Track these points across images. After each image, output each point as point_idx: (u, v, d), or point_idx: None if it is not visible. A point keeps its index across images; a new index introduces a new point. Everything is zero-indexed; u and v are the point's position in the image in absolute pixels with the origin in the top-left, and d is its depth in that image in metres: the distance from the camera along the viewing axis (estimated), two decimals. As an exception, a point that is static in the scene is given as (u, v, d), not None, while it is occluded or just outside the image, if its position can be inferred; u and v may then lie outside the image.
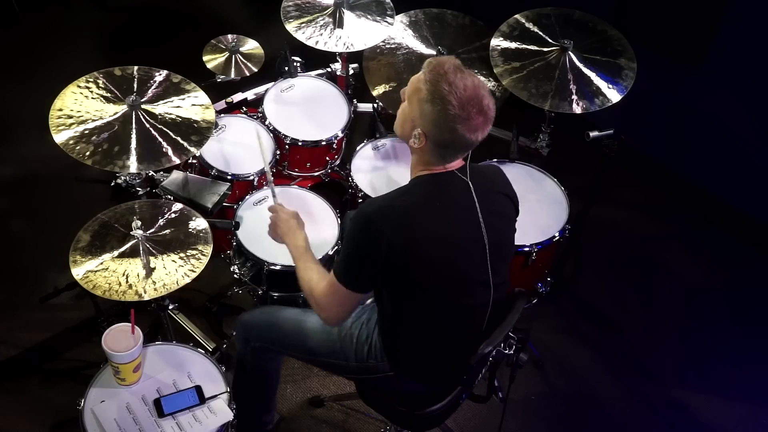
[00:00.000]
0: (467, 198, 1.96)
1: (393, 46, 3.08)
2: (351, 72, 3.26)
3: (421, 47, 3.09)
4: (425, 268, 1.93)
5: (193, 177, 2.71)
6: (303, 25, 2.96)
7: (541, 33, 2.96)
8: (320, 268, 2.10)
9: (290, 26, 2.95)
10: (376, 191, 2.80)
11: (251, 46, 3.09)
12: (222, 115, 3.01)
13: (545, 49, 2.91)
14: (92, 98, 2.41)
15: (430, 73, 1.87)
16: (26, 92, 3.81)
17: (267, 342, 2.32)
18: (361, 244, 1.91)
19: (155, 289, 2.08)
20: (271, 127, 2.96)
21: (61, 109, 2.36)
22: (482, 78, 3.00)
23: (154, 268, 2.13)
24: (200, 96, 2.52)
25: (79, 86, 2.43)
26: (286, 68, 3.12)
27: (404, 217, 1.89)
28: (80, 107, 2.38)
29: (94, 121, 2.36)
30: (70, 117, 2.34)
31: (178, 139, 2.38)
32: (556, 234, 2.72)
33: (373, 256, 1.89)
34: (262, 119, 2.99)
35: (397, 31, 3.11)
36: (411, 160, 2.02)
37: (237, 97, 3.18)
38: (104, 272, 2.10)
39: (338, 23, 2.98)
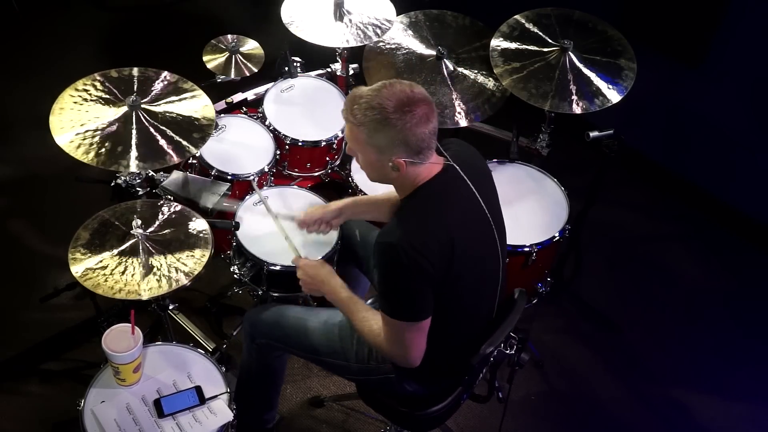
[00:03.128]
0: (464, 186, 1.97)
1: (393, 46, 3.08)
2: (351, 72, 3.26)
3: (421, 48, 3.09)
4: (457, 279, 1.92)
5: (193, 177, 2.71)
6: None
7: (541, 33, 2.96)
8: (374, 313, 2.04)
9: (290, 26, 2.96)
10: (376, 191, 2.80)
11: (251, 46, 3.09)
12: (222, 115, 3.01)
13: (545, 50, 2.91)
14: (91, 100, 2.41)
15: (352, 114, 1.87)
16: (26, 92, 3.81)
17: (272, 339, 2.32)
18: (407, 273, 1.85)
19: (155, 289, 2.08)
20: (271, 127, 2.96)
21: (61, 110, 2.35)
22: (482, 77, 3.01)
23: (153, 268, 2.13)
24: (199, 94, 2.52)
25: (77, 89, 2.43)
26: (286, 68, 3.12)
27: (430, 234, 1.86)
28: (80, 108, 2.37)
29: (94, 122, 2.35)
30: (71, 119, 2.34)
31: (179, 138, 2.38)
32: (556, 234, 2.72)
33: (424, 279, 1.85)
34: (262, 119, 2.99)
35: (397, 32, 3.11)
36: (397, 186, 1.99)
37: (237, 97, 3.18)
38: (104, 271, 2.10)
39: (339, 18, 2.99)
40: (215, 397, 2.08)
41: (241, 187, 2.83)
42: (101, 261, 2.12)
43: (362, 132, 1.87)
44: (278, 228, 2.44)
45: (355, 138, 1.91)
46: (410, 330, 1.93)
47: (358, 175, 2.87)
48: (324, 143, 2.97)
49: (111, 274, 2.10)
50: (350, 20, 2.99)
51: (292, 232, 2.42)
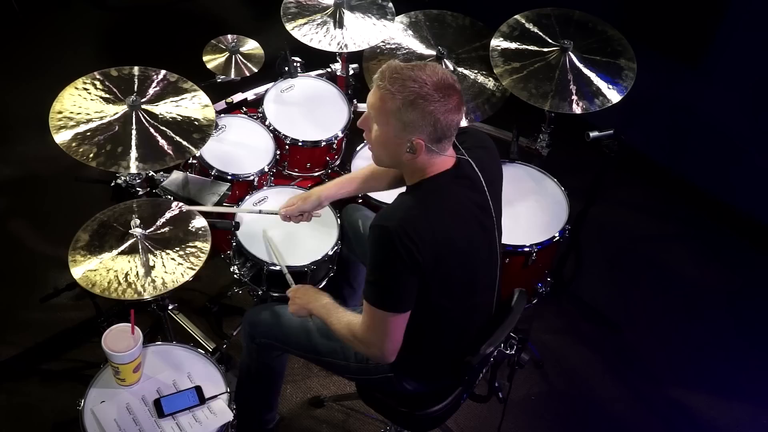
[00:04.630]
0: (477, 184, 1.95)
1: (393, 46, 3.08)
2: (351, 72, 3.26)
3: (421, 48, 3.09)
4: (450, 275, 1.91)
5: (193, 177, 2.71)
6: (300, 25, 2.96)
7: (541, 33, 2.96)
8: (353, 314, 2.03)
9: (289, 25, 2.95)
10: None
11: (251, 46, 3.09)
12: (222, 115, 3.01)
13: (545, 50, 2.91)
14: (91, 99, 2.41)
15: (390, 82, 1.81)
16: (26, 92, 3.81)
17: (271, 338, 2.32)
18: (396, 260, 1.81)
19: (155, 288, 2.08)
20: (271, 128, 2.96)
21: (60, 111, 2.35)
22: (482, 77, 3.02)
23: (153, 267, 2.13)
24: (200, 95, 2.52)
25: (76, 88, 2.42)
26: (286, 68, 3.12)
27: (427, 226, 1.83)
28: (80, 108, 2.37)
29: (94, 122, 2.35)
30: (71, 119, 2.34)
31: (179, 138, 2.37)
32: (556, 234, 2.72)
33: (411, 268, 1.83)
34: (262, 119, 3.00)
35: (397, 32, 3.11)
36: (405, 171, 1.95)
37: (237, 97, 3.18)
38: (103, 271, 2.10)
39: (338, 23, 2.98)
40: (215, 397, 2.08)
41: (241, 187, 2.83)
42: (101, 262, 2.12)
43: (395, 102, 1.81)
44: (278, 261, 2.46)
45: (383, 107, 1.84)
46: (390, 321, 1.90)
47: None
48: (324, 143, 2.97)
49: (112, 275, 2.10)
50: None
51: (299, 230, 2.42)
